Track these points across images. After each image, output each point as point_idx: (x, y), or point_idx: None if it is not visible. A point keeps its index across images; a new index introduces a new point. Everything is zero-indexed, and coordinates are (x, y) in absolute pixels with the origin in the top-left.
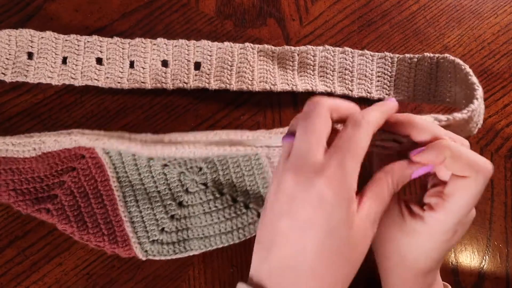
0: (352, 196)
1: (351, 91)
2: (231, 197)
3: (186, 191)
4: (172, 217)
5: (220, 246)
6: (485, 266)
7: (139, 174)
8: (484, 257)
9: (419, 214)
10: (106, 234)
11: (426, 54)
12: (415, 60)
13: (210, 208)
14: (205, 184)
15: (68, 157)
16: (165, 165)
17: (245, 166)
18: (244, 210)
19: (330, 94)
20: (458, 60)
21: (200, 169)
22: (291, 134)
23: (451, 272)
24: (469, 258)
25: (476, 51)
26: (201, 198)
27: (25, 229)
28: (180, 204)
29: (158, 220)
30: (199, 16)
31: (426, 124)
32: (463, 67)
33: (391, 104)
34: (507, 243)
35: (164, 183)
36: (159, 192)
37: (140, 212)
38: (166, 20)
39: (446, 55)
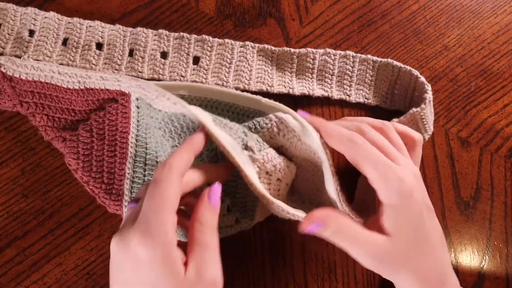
0: (171, 250)
1: (349, 96)
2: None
3: None
4: None
5: None
6: (485, 266)
7: (157, 141)
8: (484, 257)
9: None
10: (104, 183)
11: (421, 79)
12: (415, 75)
13: None
14: None
15: (106, 98)
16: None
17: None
18: (225, 213)
19: (327, 98)
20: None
21: (216, 154)
22: (136, 200)
23: None
24: (469, 258)
25: (476, 51)
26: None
27: (25, 229)
28: None
29: None
30: (199, 16)
31: (332, 128)
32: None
33: (196, 138)
34: (507, 243)
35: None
36: None
37: (144, 175)
38: (166, 20)
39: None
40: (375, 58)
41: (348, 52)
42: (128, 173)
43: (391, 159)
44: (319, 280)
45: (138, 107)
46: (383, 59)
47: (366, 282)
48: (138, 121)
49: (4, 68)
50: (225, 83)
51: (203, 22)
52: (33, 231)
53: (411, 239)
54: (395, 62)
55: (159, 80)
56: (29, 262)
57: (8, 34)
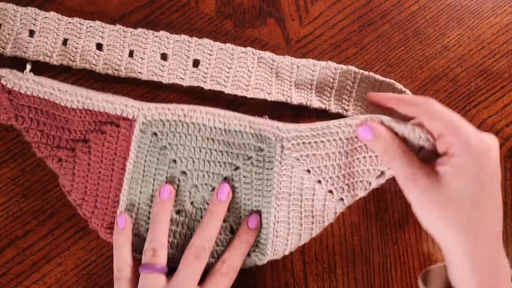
0: None
1: (346, 111)
2: (230, 227)
3: (191, 204)
4: None
5: None
6: None
7: (156, 169)
8: None
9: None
10: (97, 208)
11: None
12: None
13: None
14: None
15: (104, 121)
16: (184, 172)
17: (256, 201)
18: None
19: (324, 111)
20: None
21: (213, 188)
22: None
23: None
24: None
25: (476, 51)
26: (201, 217)
27: (25, 229)
28: (178, 213)
29: (149, 218)
30: (199, 16)
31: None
32: None
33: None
34: (507, 243)
35: (174, 188)
36: None
37: (138, 203)
38: (166, 20)
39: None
40: (377, 76)
41: (350, 67)
42: (122, 200)
43: None
44: (319, 280)
45: (142, 132)
46: (385, 79)
47: (366, 282)
48: (139, 146)
49: (5, 81)
50: (223, 88)
51: (203, 22)
52: (33, 231)
53: (472, 198)
54: (397, 84)
55: (158, 81)
56: (29, 262)
57: (8, 34)
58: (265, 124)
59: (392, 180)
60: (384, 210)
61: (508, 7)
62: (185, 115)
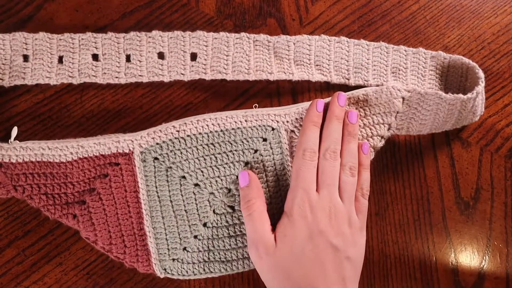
0: None
1: (348, 79)
2: None
3: (213, 212)
4: (195, 237)
5: (241, 271)
6: (485, 266)
7: (169, 190)
8: (484, 257)
9: None
10: (127, 247)
11: (421, 49)
12: (411, 52)
13: (235, 232)
14: (232, 208)
15: (102, 164)
16: (197, 184)
17: (274, 187)
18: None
19: (326, 83)
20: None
21: (229, 190)
22: None
23: (451, 272)
24: (469, 258)
25: (476, 51)
26: (227, 221)
27: (25, 229)
28: (205, 225)
29: (181, 239)
30: (199, 16)
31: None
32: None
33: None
34: (507, 243)
35: (192, 202)
36: (186, 211)
37: (165, 229)
38: (166, 20)
39: (440, 52)
40: (367, 42)
41: (342, 37)
42: (149, 231)
43: (320, 186)
44: None
45: (144, 161)
46: (375, 42)
47: (366, 282)
48: (146, 176)
49: None
50: (224, 75)
51: (203, 22)
52: (33, 231)
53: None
54: (386, 44)
55: (161, 85)
56: (29, 262)
57: (2, 64)
58: (261, 114)
59: (392, 180)
60: (384, 210)
61: (508, 7)
62: (178, 131)
